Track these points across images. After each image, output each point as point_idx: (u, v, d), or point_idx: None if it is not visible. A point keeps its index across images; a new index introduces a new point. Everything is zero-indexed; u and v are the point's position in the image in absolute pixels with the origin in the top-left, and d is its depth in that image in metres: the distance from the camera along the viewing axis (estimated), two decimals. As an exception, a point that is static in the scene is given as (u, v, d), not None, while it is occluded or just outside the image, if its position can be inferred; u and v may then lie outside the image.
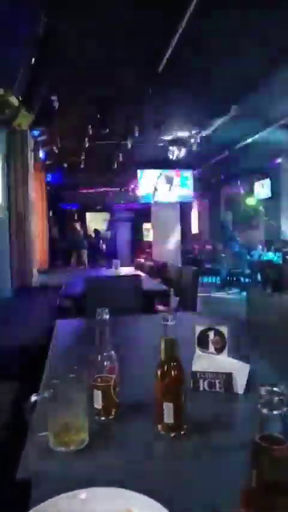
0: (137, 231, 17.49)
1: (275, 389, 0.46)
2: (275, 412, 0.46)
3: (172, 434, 0.84)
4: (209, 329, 1.10)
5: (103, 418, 0.92)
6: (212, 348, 1.09)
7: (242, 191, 11.09)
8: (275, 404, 0.45)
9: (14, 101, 2.55)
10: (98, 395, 0.92)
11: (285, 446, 0.46)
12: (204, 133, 7.05)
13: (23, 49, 2.66)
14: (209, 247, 11.22)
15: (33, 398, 0.83)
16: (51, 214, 11.23)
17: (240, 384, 1.04)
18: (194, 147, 7.76)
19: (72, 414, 0.82)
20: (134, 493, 0.61)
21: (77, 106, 5.70)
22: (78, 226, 9.68)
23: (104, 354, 0.94)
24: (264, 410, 0.46)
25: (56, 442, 0.80)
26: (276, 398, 0.45)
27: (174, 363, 0.85)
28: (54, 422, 0.81)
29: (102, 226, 16.65)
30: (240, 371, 1.05)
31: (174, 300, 3.74)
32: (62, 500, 0.61)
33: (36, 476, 0.72)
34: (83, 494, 0.63)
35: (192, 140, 7.46)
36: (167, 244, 10.01)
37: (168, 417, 0.84)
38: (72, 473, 0.74)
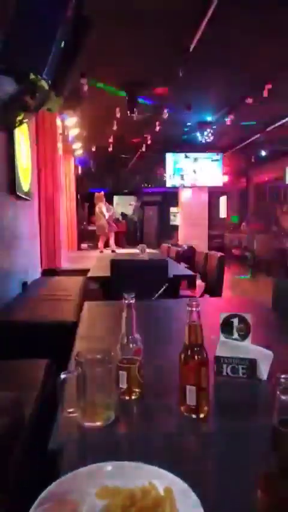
0: (164, 215, 17.42)
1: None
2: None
3: (194, 416, 0.87)
4: (234, 316, 1.11)
5: (128, 398, 0.96)
6: (236, 335, 1.11)
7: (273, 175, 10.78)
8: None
9: (44, 85, 2.56)
10: (123, 375, 0.96)
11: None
12: (234, 114, 6.86)
13: (53, 33, 2.66)
14: (242, 232, 11.02)
15: (63, 376, 0.87)
16: (79, 197, 11.35)
17: (263, 370, 1.05)
18: (224, 129, 7.59)
19: (99, 392, 0.86)
20: (156, 468, 0.65)
21: (106, 88, 5.68)
22: (105, 209, 9.73)
23: (130, 336, 0.97)
24: (283, 397, 0.47)
25: (84, 417, 0.85)
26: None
27: (198, 348, 0.88)
28: (82, 399, 0.85)
29: (129, 210, 16.71)
30: (263, 358, 1.06)
31: (199, 285, 3.74)
32: (88, 471, 0.66)
33: (65, 448, 0.77)
34: (108, 466, 0.67)
35: (222, 122, 7.28)
36: (194, 228, 9.93)
37: (191, 400, 0.87)
38: (99, 447, 0.79)
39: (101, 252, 8.68)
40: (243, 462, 0.71)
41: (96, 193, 9.90)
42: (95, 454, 0.72)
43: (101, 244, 9.56)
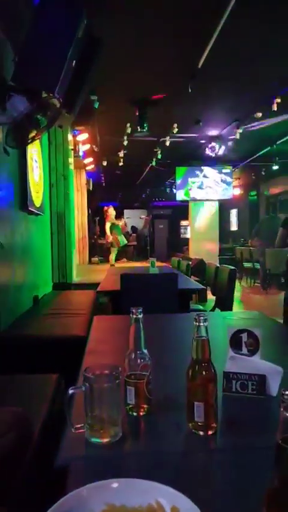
0: (174, 228, 17.48)
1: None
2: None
3: (202, 433, 0.86)
4: (243, 331, 1.10)
5: (135, 414, 0.96)
6: (245, 350, 1.09)
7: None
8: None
9: (56, 103, 2.63)
10: (131, 391, 0.95)
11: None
12: (244, 128, 6.90)
13: (64, 53, 2.74)
14: (251, 247, 10.97)
15: (71, 391, 0.87)
16: (90, 211, 11.47)
17: (273, 387, 1.04)
18: (234, 143, 7.63)
19: (107, 408, 0.86)
20: (163, 486, 0.64)
21: (117, 105, 5.78)
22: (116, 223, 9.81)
23: (138, 351, 0.97)
24: (287, 413, 0.47)
25: (91, 433, 0.85)
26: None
27: (206, 363, 0.87)
28: (89, 415, 0.85)
29: (139, 224, 16.80)
30: (273, 374, 1.05)
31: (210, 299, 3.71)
32: (95, 488, 0.65)
33: (72, 464, 0.76)
34: (114, 483, 0.66)
35: (232, 136, 7.33)
36: (204, 242, 9.91)
37: (199, 416, 0.86)
38: (105, 464, 0.78)
39: (112, 265, 8.71)
40: (251, 480, 0.69)
41: (107, 207, 9.95)
42: (101, 471, 0.72)
43: (112, 257, 9.61)
